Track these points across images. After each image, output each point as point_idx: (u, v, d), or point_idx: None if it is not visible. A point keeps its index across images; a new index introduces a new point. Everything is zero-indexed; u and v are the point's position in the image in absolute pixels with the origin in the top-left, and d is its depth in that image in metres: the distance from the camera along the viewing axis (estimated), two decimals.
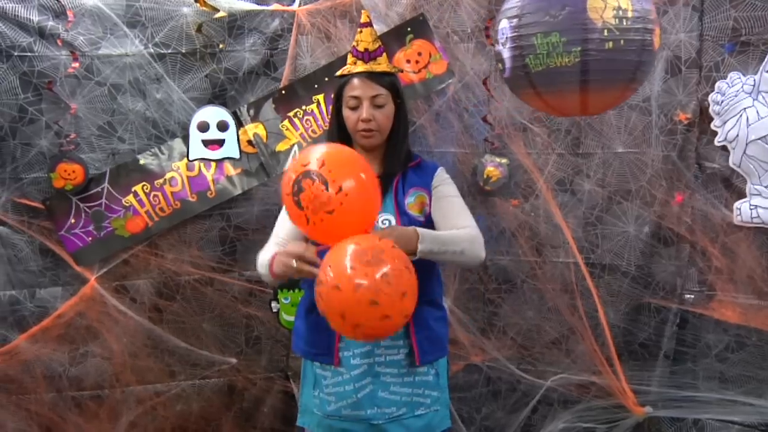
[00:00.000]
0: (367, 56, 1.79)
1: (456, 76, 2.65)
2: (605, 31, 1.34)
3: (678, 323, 2.55)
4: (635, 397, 2.55)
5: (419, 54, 2.66)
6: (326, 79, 2.62)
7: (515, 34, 1.45)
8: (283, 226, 1.84)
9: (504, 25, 1.48)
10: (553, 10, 1.36)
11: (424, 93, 2.69)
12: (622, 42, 1.35)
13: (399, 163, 1.82)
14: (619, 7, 1.37)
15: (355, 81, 1.78)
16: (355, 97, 1.78)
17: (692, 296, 2.51)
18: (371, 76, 1.77)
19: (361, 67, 1.79)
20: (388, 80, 1.81)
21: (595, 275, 2.63)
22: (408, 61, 2.67)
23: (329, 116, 1.92)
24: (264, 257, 1.77)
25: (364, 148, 1.83)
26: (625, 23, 1.37)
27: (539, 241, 2.68)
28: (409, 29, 2.64)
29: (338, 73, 1.84)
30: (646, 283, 2.59)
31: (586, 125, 2.58)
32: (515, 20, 1.44)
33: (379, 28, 2.50)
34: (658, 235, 2.56)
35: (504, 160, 2.65)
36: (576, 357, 2.69)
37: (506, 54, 1.46)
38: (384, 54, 1.84)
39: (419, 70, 2.67)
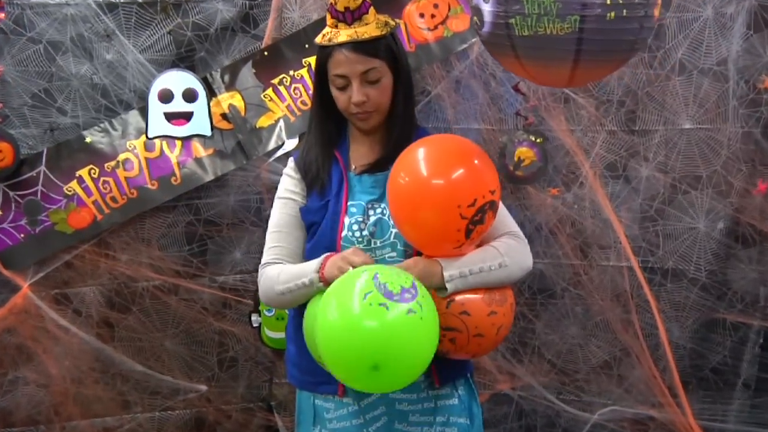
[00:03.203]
0: (350, 17, 1.64)
1: None
2: None
3: (761, 344, 2.49)
4: None
5: (435, 6, 2.51)
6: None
7: None
8: (288, 223, 1.73)
9: None
10: None
11: (441, 55, 2.55)
12: (624, 12, 1.31)
13: (403, 145, 1.64)
14: None
15: (339, 56, 1.64)
16: (342, 76, 1.64)
17: None
18: (358, 48, 1.62)
19: (344, 34, 1.63)
20: (380, 46, 1.65)
21: (655, 283, 2.54)
22: (421, 15, 2.52)
23: (312, 90, 1.78)
24: (287, 267, 1.68)
25: (363, 130, 1.72)
26: None
27: (584, 240, 2.59)
28: None
29: (317, 40, 1.68)
30: (720, 293, 2.50)
31: (644, 95, 2.45)
32: None
33: None
34: (735, 233, 2.47)
35: (540, 139, 2.53)
36: (630, 385, 2.61)
37: (487, 8, 1.39)
38: (371, 9, 1.67)
39: (435, 27, 2.52)
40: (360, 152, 1.72)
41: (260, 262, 1.73)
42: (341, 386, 1.68)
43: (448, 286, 1.54)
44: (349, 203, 1.66)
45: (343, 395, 1.70)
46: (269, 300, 1.71)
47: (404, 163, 1.55)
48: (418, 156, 1.52)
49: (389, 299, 1.36)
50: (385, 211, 1.67)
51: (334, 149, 1.71)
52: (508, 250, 1.63)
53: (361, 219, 1.64)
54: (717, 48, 2.34)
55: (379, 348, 1.35)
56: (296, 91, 2.53)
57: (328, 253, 1.61)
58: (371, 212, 1.66)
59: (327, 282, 1.55)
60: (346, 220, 1.64)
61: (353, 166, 1.70)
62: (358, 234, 1.64)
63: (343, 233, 1.63)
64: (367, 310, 1.35)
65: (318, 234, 1.68)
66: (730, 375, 2.50)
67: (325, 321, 1.41)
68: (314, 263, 1.61)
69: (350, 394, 1.70)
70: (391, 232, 1.64)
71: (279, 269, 1.67)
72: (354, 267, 1.49)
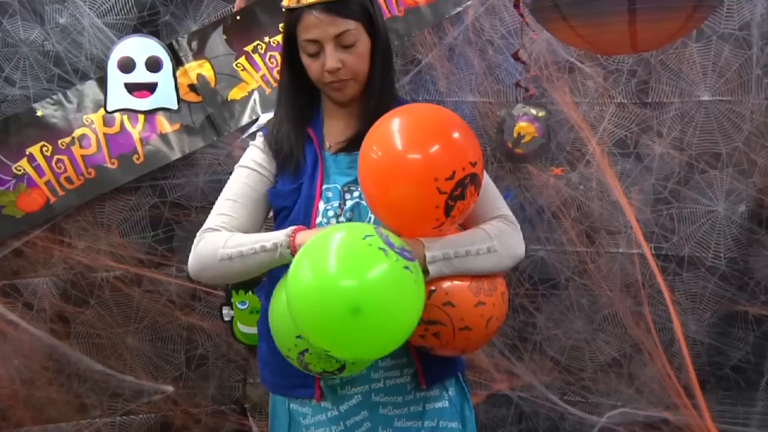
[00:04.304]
0: None
1: None
2: None
3: None
4: None
5: None
6: None
7: None
8: (246, 195, 1.68)
9: None
10: None
11: (432, 20, 2.52)
12: None
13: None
14: None
15: (309, 18, 1.61)
16: (313, 41, 1.61)
17: None
18: (330, 8, 1.60)
19: None
20: (354, 6, 1.63)
21: (669, 272, 2.51)
22: None
23: (280, 60, 1.75)
24: (237, 235, 1.61)
25: (339, 102, 1.70)
26: None
27: (591, 224, 2.56)
28: None
29: (284, 2, 1.65)
30: (742, 283, 2.45)
31: (658, 63, 2.41)
32: None
33: None
34: (758, 217, 2.43)
35: (542, 113, 2.53)
36: (642, 385, 2.57)
37: None
38: None
39: None
40: (335, 128, 1.69)
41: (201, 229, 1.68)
42: (318, 390, 1.65)
43: (430, 268, 1.49)
44: (324, 186, 1.63)
45: (320, 399, 1.67)
46: (204, 267, 1.60)
47: (376, 135, 1.51)
48: (392, 127, 1.50)
49: (390, 248, 1.34)
50: (363, 196, 1.65)
51: (307, 126, 1.68)
52: (498, 234, 1.61)
53: (337, 204, 1.62)
54: (739, 11, 2.29)
55: (366, 289, 1.32)
56: (272, 60, 2.50)
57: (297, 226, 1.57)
58: (348, 196, 1.64)
59: (295, 249, 1.50)
60: (321, 206, 1.61)
61: (328, 145, 1.68)
62: (334, 221, 1.61)
63: (318, 220, 1.61)
64: (365, 249, 1.33)
65: (289, 221, 1.64)
66: (753, 374, 2.45)
67: (303, 273, 1.36)
68: (282, 231, 1.55)
69: (329, 398, 1.66)
70: (370, 218, 1.62)
71: (227, 235, 1.60)
72: None
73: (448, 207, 1.45)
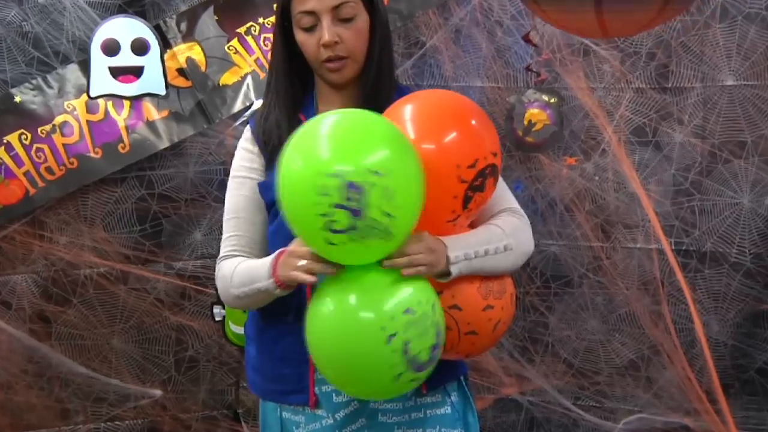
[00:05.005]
0: None
1: None
2: None
3: None
4: None
5: None
6: None
7: None
8: (246, 207, 1.68)
9: None
10: None
11: None
12: None
13: (382, 105, 1.59)
14: None
15: None
16: (309, 13, 1.60)
17: None
18: None
19: None
20: None
21: (690, 268, 2.48)
22: None
23: (273, 38, 1.75)
24: (240, 267, 1.63)
25: (335, 85, 1.67)
26: None
27: (606, 218, 2.55)
28: None
29: None
30: None
31: (679, 45, 2.38)
32: None
33: None
34: None
35: (554, 99, 2.52)
36: (660, 389, 2.55)
37: None
38: None
39: None
40: None
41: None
42: (314, 396, 1.62)
43: (452, 269, 1.46)
44: None
45: (315, 406, 1.63)
46: (228, 303, 1.68)
47: (393, 119, 1.47)
48: (409, 112, 1.47)
49: (418, 372, 1.38)
50: None
51: (299, 113, 1.66)
52: (512, 231, 1.61)
53: None
54: None
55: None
56: (266, 43, 2.48)
57: (278, 251, 1.57)
58: None
59: (284, 285, 1.52)
60: None
61: None
62: None
63: None
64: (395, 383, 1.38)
65: (281, 216, 1.62)
66: None
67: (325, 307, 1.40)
68: (266, 265, 1.56)
69: (324, 406, 1.63)
70: None
71: (232, 268, 1.63)
72: (302, 259, 1.46)
73: (467, 198, 1.44)
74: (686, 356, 2.47)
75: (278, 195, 1.35)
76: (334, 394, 1.66)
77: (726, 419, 2.42)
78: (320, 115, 1.41)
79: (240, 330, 2.54)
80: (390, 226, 1.27)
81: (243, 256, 1.67)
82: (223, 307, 2.58)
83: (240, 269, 1.62)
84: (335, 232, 1.26)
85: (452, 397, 1.71)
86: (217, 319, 2.60)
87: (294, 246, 1.51)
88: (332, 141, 1.31)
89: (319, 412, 1.65)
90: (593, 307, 2.59)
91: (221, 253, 1.68)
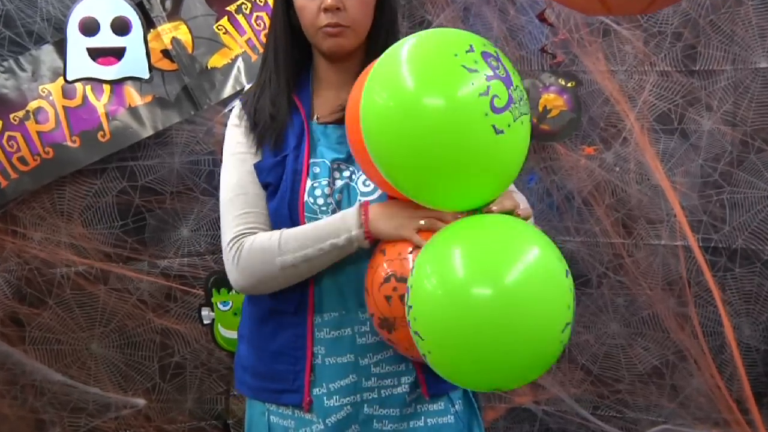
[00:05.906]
0: None
1: None
2: None
3: None
4: None
5: None
6: None
7: None
8: (253, 182, 1.63)
9: None
10: None
11: None
12: None
13: None
14: None
15: None
16: None
17: None
18: None
19: None
20: None
21: (719, 267, 2.45)
22: None
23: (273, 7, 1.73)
24: (289, 232, 1.58)
25: (332, 55, 1.64)
26: None
27: (628, 212, 2.52)
28: None
29: None
30: None
31: (708, 24, 2.35)
32: None
33: None
34: None
35: (572, 83, 2.50)
36: (687, 398, 2.53)
37: None
38: None
39: None
40: (325, 97, 1.65)
41: (224, 238, 1.61)
42: (308, 397, 1.62)
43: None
44: (311, 161, 1.60)
45: (308, 409, 1.62)
46: (263, 280, 1.59)
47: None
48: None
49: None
50: (353, 176, 1.62)
51: (293, 93, 1.64)
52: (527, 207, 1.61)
53: (326, 183, 1.58)
54: None
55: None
56: (259, 22, 2.46)
57: (360, 203, 1.55)
58: (337, 175, 1.60)
59: (372, 239, 1.51)
60: (308, 183, 1.58)
61: (316, 116, 1.65)
62: (321, 201, 1.56)
63: (304, 199, 1.58)
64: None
65: (278, 198, 1.60)
66: None
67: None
68: (348, 219, 1.54)
69: (315, 409, 1.62)
70: (360, 200, 1.60)
71: (276, 237, 1.57)
72: (415, 219, 1.44)
73: None
74: (715, 362, 2.44)
75: (401, 122, 1.28)
76: (325, 398, 1.63)
77: (758, 430, 2.40)
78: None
79: (230, 334, 2.51)
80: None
81: (263, 231, 1.63)
82: (212, 310, 2.52)
83: (292, 233, 1.58)
84: (499, 111, 1.24)
85: (456, 406, 1.67)
86: (205, 322, 2.53)
87: (394, 204, 1.50)
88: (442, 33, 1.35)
89: (310, 416, 1.62)
90: (614, 309, 2.56)
91: (234, 232, 1.61)
